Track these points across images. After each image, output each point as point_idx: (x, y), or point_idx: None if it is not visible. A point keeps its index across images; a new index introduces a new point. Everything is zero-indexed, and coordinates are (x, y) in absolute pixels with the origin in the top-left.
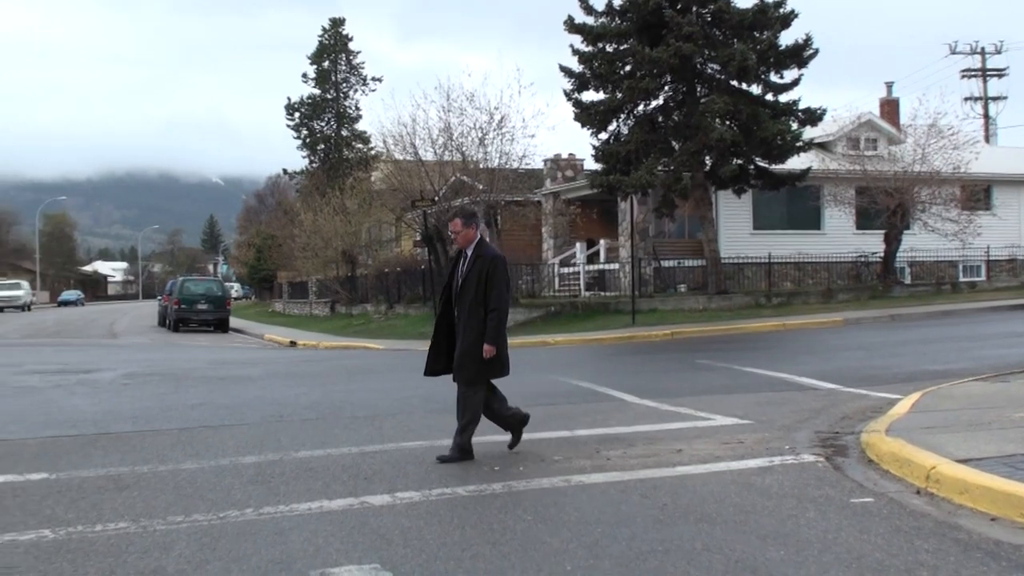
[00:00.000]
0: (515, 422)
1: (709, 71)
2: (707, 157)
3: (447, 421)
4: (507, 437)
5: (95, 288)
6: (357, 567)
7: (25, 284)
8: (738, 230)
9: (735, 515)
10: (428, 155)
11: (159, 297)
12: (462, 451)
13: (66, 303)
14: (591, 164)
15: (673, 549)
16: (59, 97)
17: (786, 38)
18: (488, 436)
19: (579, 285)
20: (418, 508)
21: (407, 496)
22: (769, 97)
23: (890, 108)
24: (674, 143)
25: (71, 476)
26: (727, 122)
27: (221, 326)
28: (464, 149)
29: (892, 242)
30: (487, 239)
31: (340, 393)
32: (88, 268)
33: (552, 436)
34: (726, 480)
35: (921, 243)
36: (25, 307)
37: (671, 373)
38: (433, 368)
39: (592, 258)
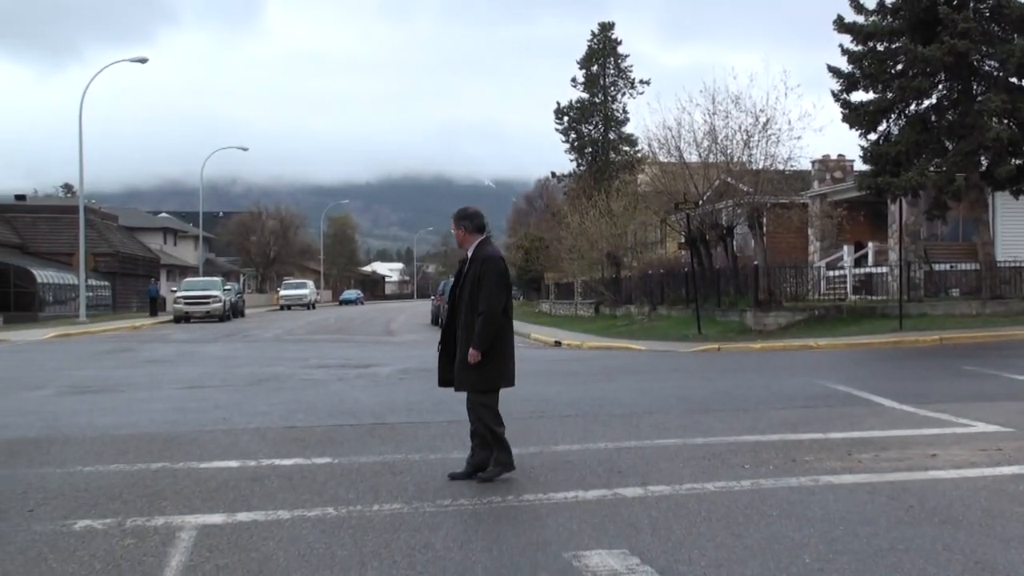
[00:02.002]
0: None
1: (986, 68)
2: (982, 157)
3: (702, 421)
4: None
5: (373, 288)
6: (607, 551)
7: (310, 284)
8: (1017, 232)
9: (981, 518)
10: (692, 157)
11: (432, 297)
12: (501, 465)
13: (347, 302)
14: (860, 165)
15: (913, 548)
16: (341, 105)
17: None
18: (744, 436)
19: (846, 288)
20: (667, 500)
21: (658, 490)
22: None
23: None
24: (947, 143)
25: (351, 461)
26: (1004, 121)
27: None
28: (729, 152)
29: None
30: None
31: (599, 391)
32: (367, 268)
33: (805, 438)
34: (978, 485)
35: None
36: (310, 305)
37: (933, 379)
38: (442, 377)
39: (860, 261)
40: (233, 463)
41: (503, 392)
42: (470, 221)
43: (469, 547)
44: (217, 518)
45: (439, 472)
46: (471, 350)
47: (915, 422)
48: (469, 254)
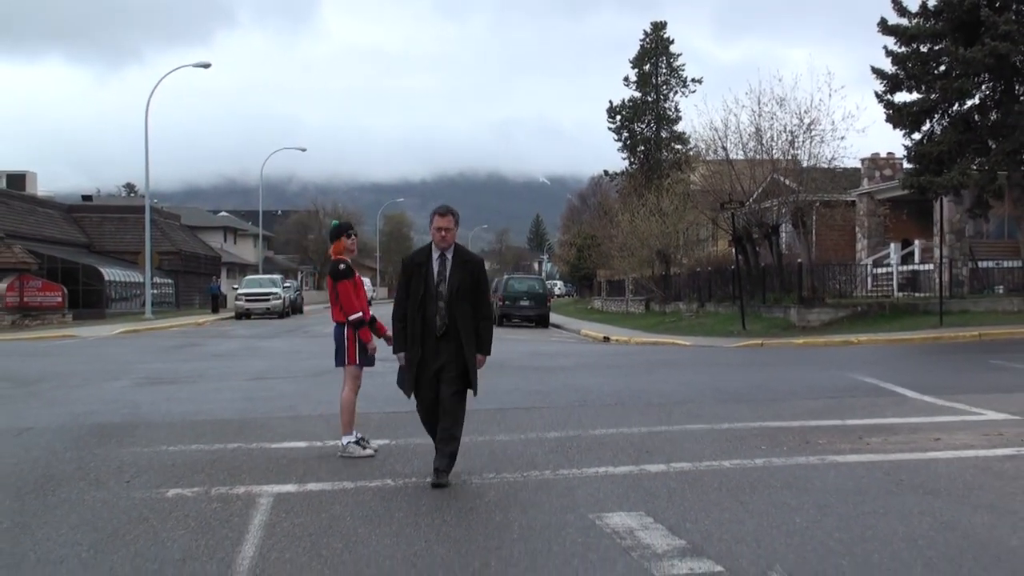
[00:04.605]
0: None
1: None
2: None
3: (732, 409)
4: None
5: None
6: (626, 513)
7: (367, 281)
8: None
9: (961, 490)
10: (738, 157)
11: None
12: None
13: None
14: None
15: (892, 512)
16: (396, 103)
17: None
18: (767, 422)
19: (892, 286)
20: (686, 475)
21: (679, 466)
22: None
23: None
24: (990, 142)
25: (407, 442)
26: None
27: (542, 322)
28: (773, 152)
29: None
30: (801, 240)
31: (640, 383)
32: None
33: (824, 424)
34: (968, 464)
35: None
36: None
37: (961, 372)
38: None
39: (906, 259)
40: (301, 444)
41: (549, 382)
42: (458, 220)
43: (508, 510)
44: (290, 487)
45: (485, 451)
46: (480, 356)
47: (931, 411)
48: (450, 255)
